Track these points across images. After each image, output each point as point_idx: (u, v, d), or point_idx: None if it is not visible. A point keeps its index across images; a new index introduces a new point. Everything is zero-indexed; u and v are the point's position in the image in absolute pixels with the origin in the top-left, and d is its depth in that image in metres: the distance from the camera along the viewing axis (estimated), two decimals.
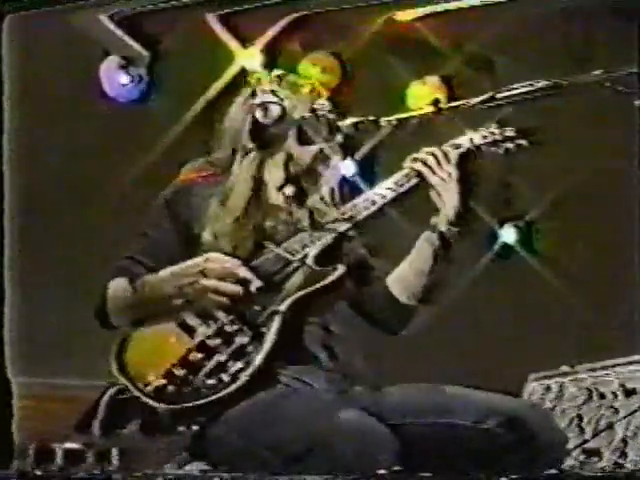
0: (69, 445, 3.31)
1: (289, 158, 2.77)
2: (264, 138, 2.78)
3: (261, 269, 2.59)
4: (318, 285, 2.56)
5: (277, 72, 2.89)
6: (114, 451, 3.10)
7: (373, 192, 2.73)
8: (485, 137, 2.77)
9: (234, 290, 2.54)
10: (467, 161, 2.72)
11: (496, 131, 2.78)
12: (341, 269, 2.58)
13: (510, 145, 2.76)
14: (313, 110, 2.78)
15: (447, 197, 2.70)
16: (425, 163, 2.71)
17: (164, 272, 2.61)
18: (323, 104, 2.79)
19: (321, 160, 2.80)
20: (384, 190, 2.72)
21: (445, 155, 2.71)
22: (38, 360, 4.03)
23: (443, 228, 2.70)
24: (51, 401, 3.95)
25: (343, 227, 2.67)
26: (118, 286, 2.69)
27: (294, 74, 2.89)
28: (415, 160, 2.73)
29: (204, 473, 2.52)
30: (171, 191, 2.82)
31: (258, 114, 2.78)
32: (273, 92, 2.80)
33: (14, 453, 3.31)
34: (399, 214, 2.81)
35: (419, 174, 2.71)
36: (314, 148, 2.79)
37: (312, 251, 2.62)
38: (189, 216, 2.74)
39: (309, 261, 2.60)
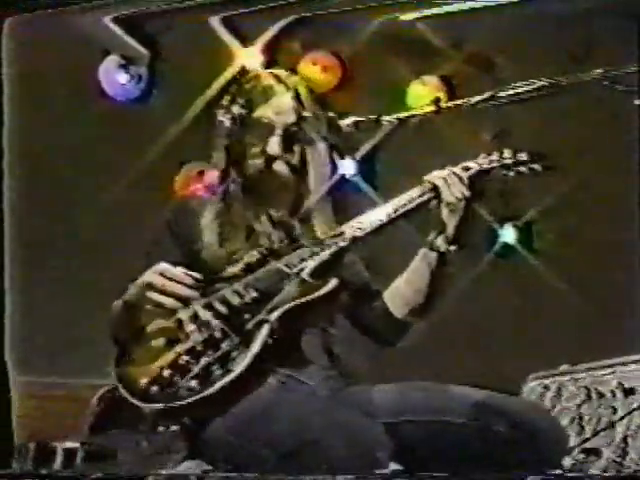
0: (69, 444, 3.31)
1: (271, 170, 2.77)
2: (245, 146, 2.79)
3: (258, 281, 2.62)
4: (309, 297, 2.59)
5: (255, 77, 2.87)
6: (109, 451, 3.10)
7: (380, 209, 2.73)
8: (498, 161, 2.77)
9: (173, 304, 2.57)
10: (476, 183, 2.73)
11: (508, 156, 2.78)
12: (334, 282, 2.61)
13: (523, 169, 2.76)
14: (300, 117, 2.77)
15: (452, 217, 2.71)
16: (444, 179, 2.71)
17: (132, 285, 2.65)
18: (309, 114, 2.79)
19: (314, 165, 2.80)
20: (395, 205, 2.72)
21: (460, 176, 2.72)
22: (38, 359, 4.03)
23: (442, 248, 2.72)
24: (53, 400, 3.95)
25: (343, 243, 2.68)
26: (116, 307, 2.72)
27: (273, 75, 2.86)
28: (433, 176, 2.73)
29: (202, 473, 2.53)
30: (171, 211, 2.84)
31: (229, 118, 2.79)
32: (244, 99, 2.79)
33: (14, 452, 3.31)
34: (399, 230, 2.82)
35: (435, 190, 2.71)
36: (297, 151, 2.79)
37: (309, 265, 2.64)
38: (191, 234, 2.77)
39: (304, 274, 2.63)
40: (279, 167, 2.75)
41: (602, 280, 3.89)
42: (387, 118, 2.77)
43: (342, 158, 2.88)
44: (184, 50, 4.25)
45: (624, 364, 3.59)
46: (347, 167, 2.95)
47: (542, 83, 2.70)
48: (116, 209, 4.15)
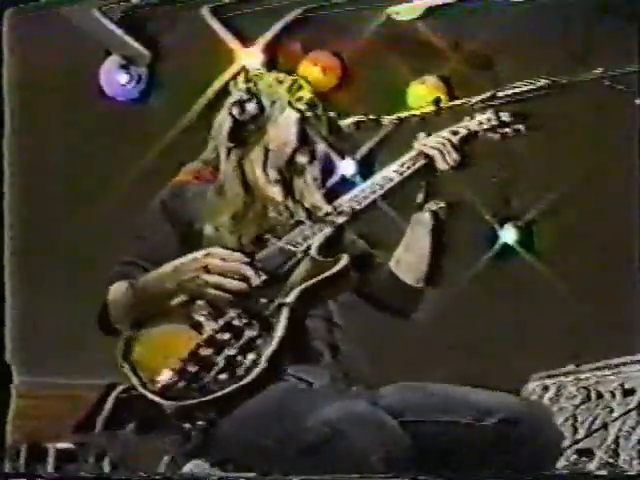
0: (62, 445, 3.31)
1: (267, 152, 2.78)
2: (243, 135, 2.79)
3: (265, 262, 2.59)
4: (323, 275, 2.55)
5: (256, 72, 2.90)
6: (111, 451, 3.10)
7: (373, 180, 2.72)
8: (481, 123, 2.77)
9: (237, 286, 2.53)
10: (465, 147, 2.72)
11: (492, 117, 2.77)
12: (345, 259, 2.57)
13: (507, 130, 2.76)
14: (290, 103, 2.78)
15: (442, 181, 2.70)
16: (437, 149, 2.71)
17: (165, 267, 2.60)
18: (303, 96, 2.80)
19: (305, 153, 2.80)
20: (390, 173, 2.71)
21: (453, 143, 2.72)
22: (38, 359, 4.03)
23: (434, 207, 2.71)
24: (47, 400, 3.95)
25: (342, 219, 2.67)
26: (118, 289, 2.67)
27: (272, 72, 2.89)
28: (425, 145, 2.72)
29: (206, 473, 2.51)
30: (166, 193, 2.82)
31: (235, 112, 2.79)
32: (248, 90, 2.80)
33: (5, 453, 3.31)
34: (395, 203, 2.81)
35: (428, 157, 2.71)
36: (292, 140, 2.79)
37: (315, 242, 2.62)
38: (187, 214, 2.74)
39: (313, 252, 2.60)
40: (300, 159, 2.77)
41: (602, 280, 3.89)
42: (387, 118, 2.76)
43: (342, 158, 2.87)
44: (184, 50, 4.26)
45: (628, 364, 3.59)
46: (347, 167, 2.95)
47: (542, 83, 2.70)
48: (116, 209, 4.16)
